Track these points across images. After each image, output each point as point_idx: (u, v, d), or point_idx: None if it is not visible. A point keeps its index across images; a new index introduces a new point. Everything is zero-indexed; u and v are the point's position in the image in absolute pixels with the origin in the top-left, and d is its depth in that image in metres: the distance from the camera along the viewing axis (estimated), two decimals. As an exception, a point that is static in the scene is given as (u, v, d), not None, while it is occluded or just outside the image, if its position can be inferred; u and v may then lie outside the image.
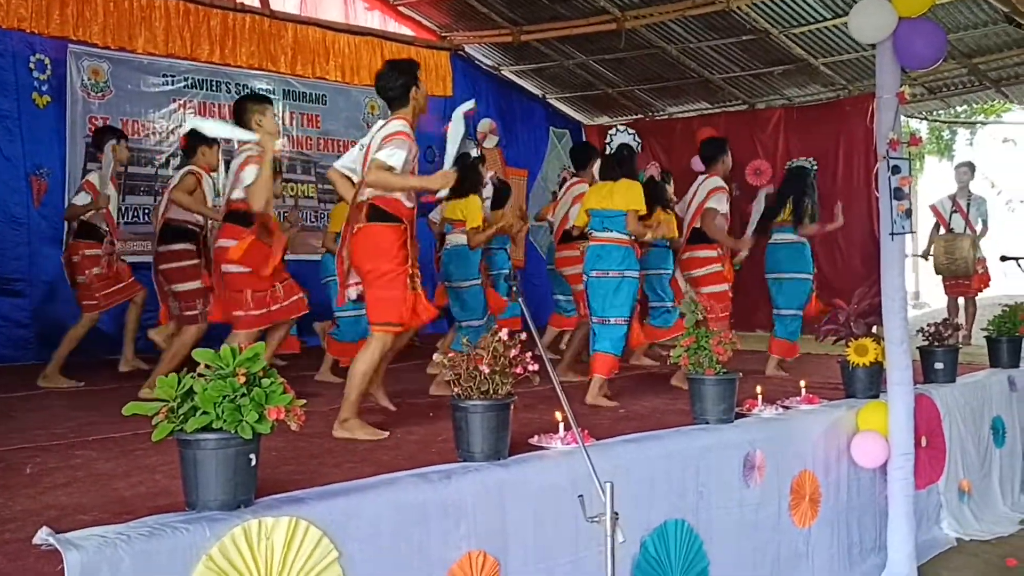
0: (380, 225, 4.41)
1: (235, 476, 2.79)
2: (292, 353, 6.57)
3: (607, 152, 6.01)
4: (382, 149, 4.37)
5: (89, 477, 3.54)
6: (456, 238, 6.32)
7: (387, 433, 4.43)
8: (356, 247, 4.47)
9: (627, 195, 5.66)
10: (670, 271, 7.24)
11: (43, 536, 2.51)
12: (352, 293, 4.58)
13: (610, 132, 6.11)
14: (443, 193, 4.71)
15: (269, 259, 5.02)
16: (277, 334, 5.34)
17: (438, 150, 4.82)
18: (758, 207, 7.06)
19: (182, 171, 6.12)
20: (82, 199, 6.47)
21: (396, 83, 4.56)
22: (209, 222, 6.08)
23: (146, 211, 8.14)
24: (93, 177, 6.58)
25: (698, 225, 6.50)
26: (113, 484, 3.42)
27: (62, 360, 6.33)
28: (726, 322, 6.33)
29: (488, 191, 7.11)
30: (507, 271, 7.16)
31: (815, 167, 7.17)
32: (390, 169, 4.34)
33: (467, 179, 6.06)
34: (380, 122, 4.63)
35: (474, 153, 7.09)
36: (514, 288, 5.10)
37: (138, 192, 8.13)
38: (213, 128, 5.70)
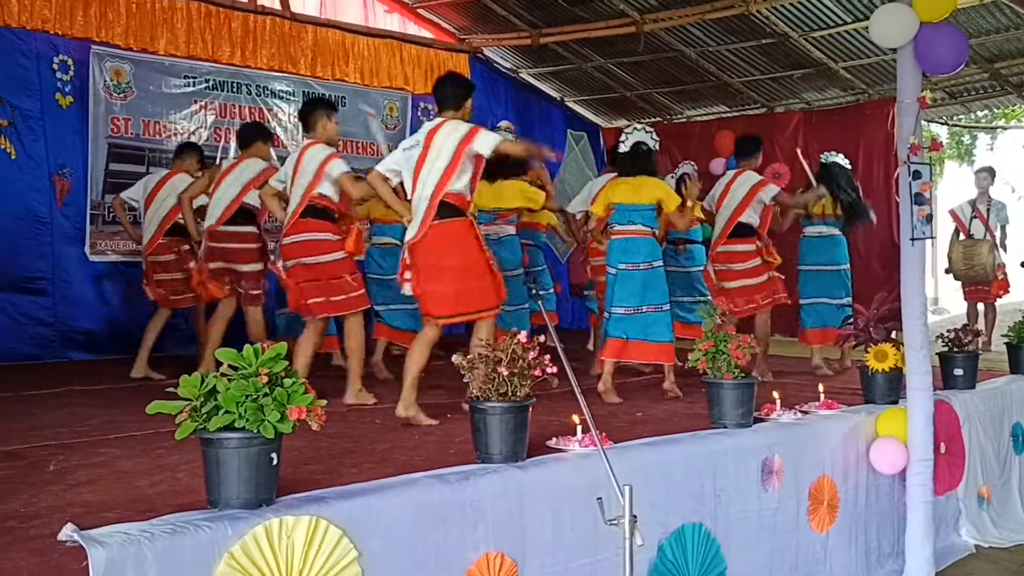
0: (456, 220, 4.73)
1: (257, 475, 2.82)
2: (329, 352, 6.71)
3: (620, 149, 6.08)
4: (474, 140, 4.70)
5: (112, 475, 3.58)
6: (501, 228, 6.29)
7: (436, 421, 4.73)
8: (436, 244, 4.70)
9: (660, 192, 5.83)
10: (703, 267, 7.25)
11: (68, 533, 2.54)
12: (407, 288, 4.82)
13: (625, 130, 6.18)
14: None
15: (359, 245, 5.47)
16: (318, 329, 5.46)
17: None
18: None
19: (261, 166, 6.25)
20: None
21: (459, 89, 4.95)
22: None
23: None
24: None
25: (742, 219, 6.62)
26: (136, 482, 3.45)
27: (148, 352, 6.59)
28: (770, 307, 6.65)
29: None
30: (544, 266, 7.19)
31: (836, 163, 7.23)
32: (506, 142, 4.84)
33: (503, 164, 5.97)
34: (428, 124, 4.88)
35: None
36: (533, 290, 5.17)
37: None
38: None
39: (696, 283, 7.29)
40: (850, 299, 7.06)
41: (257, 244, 6.35)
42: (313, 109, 5.58)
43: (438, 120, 4.86)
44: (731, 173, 6.82)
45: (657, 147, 6.03)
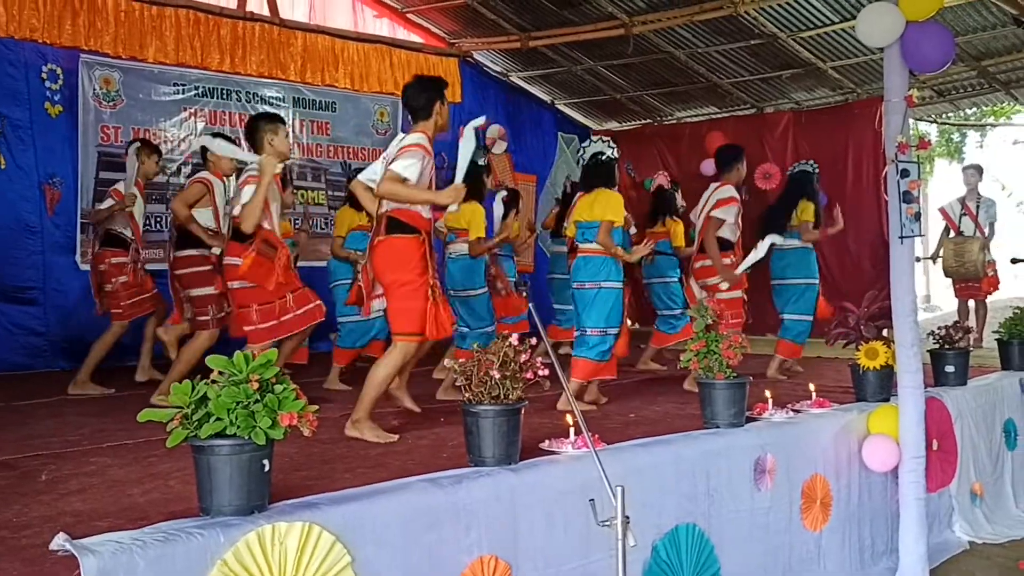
0: (399, 237, 4.48)
1: (249, 482, 2.81)
2: (299, 364, 6.57)
3: (580, 162, 5.96)
4: (397, 160, 4.44)
5: (104, 483, 3.57)
6: (460, 247, 6.34)
7: (396, 437, 4.47)
8: (377, 259, 4.54)
9: (604, 205, 5.57)
10: (676, 278, 7.26)
11: (59, 542, 2.53)
12: (376, 304, 4.68)
13: (583, 144, 6.07)
14: (453, 208, 4.72)
15: (272, 274, 5.03)
16: (290, 343, 5.37)
17: (448, 156, 4.87)
18: (758, 252, 6.65)
19: (191, 178, 6.17)
20: (106, 204, 6.56)
21: (421, 96, 4.65)
22: (224, 228, 6.03)
23: (158, 219, 8.19)
24: (119, 186, 6.66)
25: (726, 235, 6.50)
26: (128, 490, 3.45)
27: (92, 367, 6.37)
28: (739, 327, 6.29)
29: (499, 208, 7.14)
30: (513, 279, 7.19)
31: (816, 170, 7.19)
32: (404, 181, 4.39)
33: (472, 188, 5.82)
34: (401, 134, 4.69)
35: (480, 162, 7.09)
36: (524, 293, 5.16)
37: (149, 200, 8.11)
38: (219, 147, 5.71)
39: (669, 295, 7.27)
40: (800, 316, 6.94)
41: (205, 267, 6.05)
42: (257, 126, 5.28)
43: (402, 135, 4.69)
44: (713, 185, 6.69)
45: (616, 155, 5.83)
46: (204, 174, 6.05)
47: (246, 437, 2.77)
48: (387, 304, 4.60)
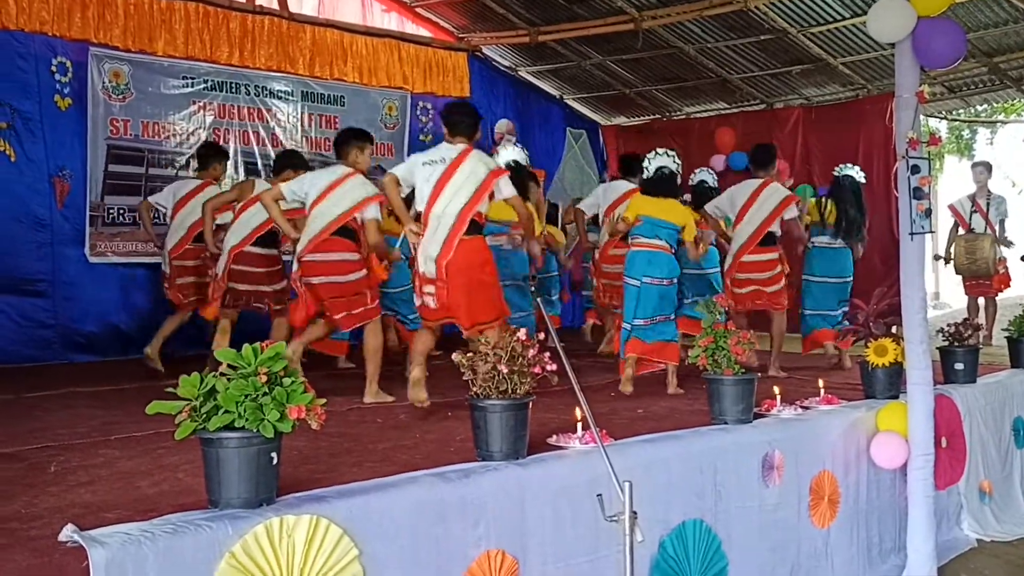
0: (480, 237, 5.14)
1: (257, 474, 2.82)
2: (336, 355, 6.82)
3: (644, 173, 6.34)
4: (501, 180, 5.12)
5: (112, 475, 3.58)
6: (495, 239, 6.38)
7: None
8: (466, 257, 4.99)
9: (686, 219, 6.05)
10: (715, 269, 7.28)
11: (68, 533, 2.54)
12: (429, 301, 5.05)
13: (648, 155, 6.39)
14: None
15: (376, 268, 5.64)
16: (319, 330, 5.61)
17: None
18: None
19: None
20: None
21: (470, 120, 5.26)
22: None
23: (164, 213, 8.15)
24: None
25: (772, 230, 6.71)
26: (136, 482, 3.46)
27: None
28: (783, 309, 6.82)
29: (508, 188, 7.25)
30: (556, 273, 7.37)
31: (861, 178, 7.27)
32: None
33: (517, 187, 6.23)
34: (449, 147, 5.16)
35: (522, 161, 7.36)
36: (532, 288, 5.19)
37: (161, 191, 8.15)
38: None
39: (713, 285, 7.30)
40: (843, 309, 7.13)
41: (279, 265, 6.57)
42: (346, 139, 5.70)
43: (462, 146, 5.14)
44: (755, 183, 6.81)
45: (679, 169, 6.26)
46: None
47: (254, 430, 2.77)
48: (468, 296, 4.98)
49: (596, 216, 7.80)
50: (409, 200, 5.35)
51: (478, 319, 4.99)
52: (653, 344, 5.91)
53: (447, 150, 5.16)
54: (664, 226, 5.96)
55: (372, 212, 5.46)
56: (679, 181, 6.34)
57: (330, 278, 5.42)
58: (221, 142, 8.55)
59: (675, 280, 6.00)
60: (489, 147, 8.97)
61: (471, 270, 5.00)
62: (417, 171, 5.15)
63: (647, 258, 5.92)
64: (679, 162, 6.29)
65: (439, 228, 5.02)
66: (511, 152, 7.38)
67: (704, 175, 8.01)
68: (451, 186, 5.02)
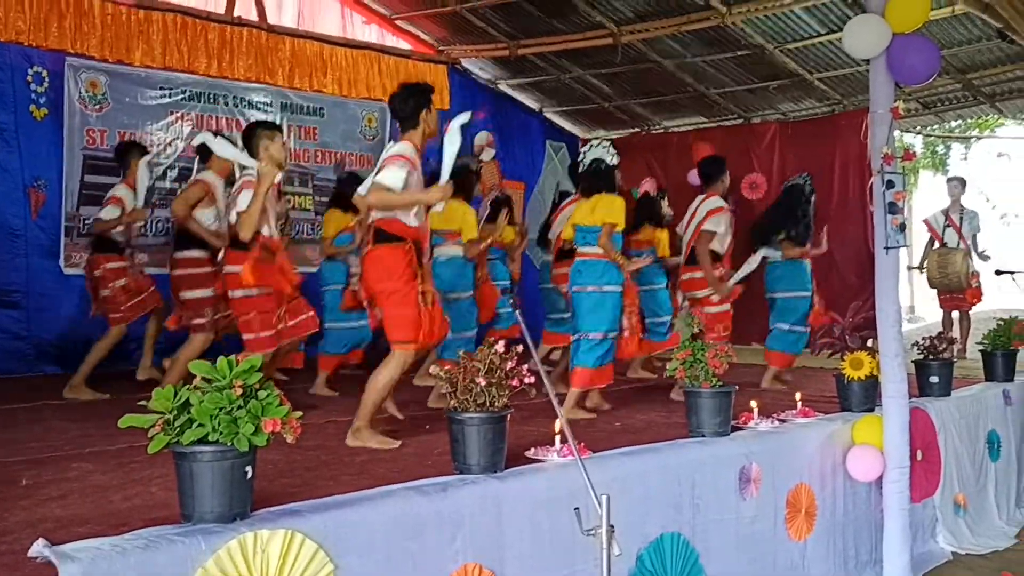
0: (385, 246, 4.51)
1: (231, 488, 2.79)
2: (295, 368, 6.59)
3: (580, 167, 6.02)
4: (382, 171, 4.47)
5: (85, 489, 3.54)
6: (448, 249, 6.29)
7: (399, 443, 4.47)
8: (366, 269, 4.59)
9: (605, 209, 5.61)
10: (663, 285, 7.26)
11: (39, 548, 2.51)
12: (378, 313, 4.68)
13: (583, 148, 6.11)
14: (439, 207, 4.74)
15: (274, 275, 5.13)
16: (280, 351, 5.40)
17: (435, 162, 4.96)
18: (750, 264, 6.86)
19: (192, 178, 6.14)
20: (109, 213, 6.48)
21: (407, 104, 4.67)
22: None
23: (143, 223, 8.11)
24: (120, 191, 6.57)
25: (717, 248, 6.52)
26: (109, 496, 3.42)
27: (89, 371, 6.37)
28: (726, 340, 6.25)
29: (485, 212, 7.19)
30: (507, 282, 7.24)
31: (808, 182, 7.18)
32: (389, 190, 4.43)
33: (460, 189, 5.94)
34: (391, 143, 4.73)
35: (472, 167, 7.11)
36: (512, 300, 5.17)
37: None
38: (220, 147, 5.62)
39: (655, 302, 7.27)
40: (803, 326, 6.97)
41: (203, 268, 6.02)
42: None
43: (399, 140, 4.73)
44: (700, 197, 6.72)
45: (615, 161, 5.87)
46: (206, 174, 5.98)
47: (229, 443, 2.74)
48: (382, 313, 4.60)
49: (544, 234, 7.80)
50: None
51: (390, 336, 4.57)
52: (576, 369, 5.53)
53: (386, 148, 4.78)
54: (592, 231, 5.60)
55: (243, 201, 5.02)
56: (616, 174, 5.91)
57: (232, 292, 5.20)
58: (198, 152, 8.52)
59: (606, 288, 5.50)
60: (469, 159, 8.95)
61: (372, 283, 4.56)
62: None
63: (577, 267, 5.65)
64: (615, 153, 5.90)
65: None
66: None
67: (647, 185, 7.96)
68: None
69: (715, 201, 6.58)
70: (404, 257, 4.50)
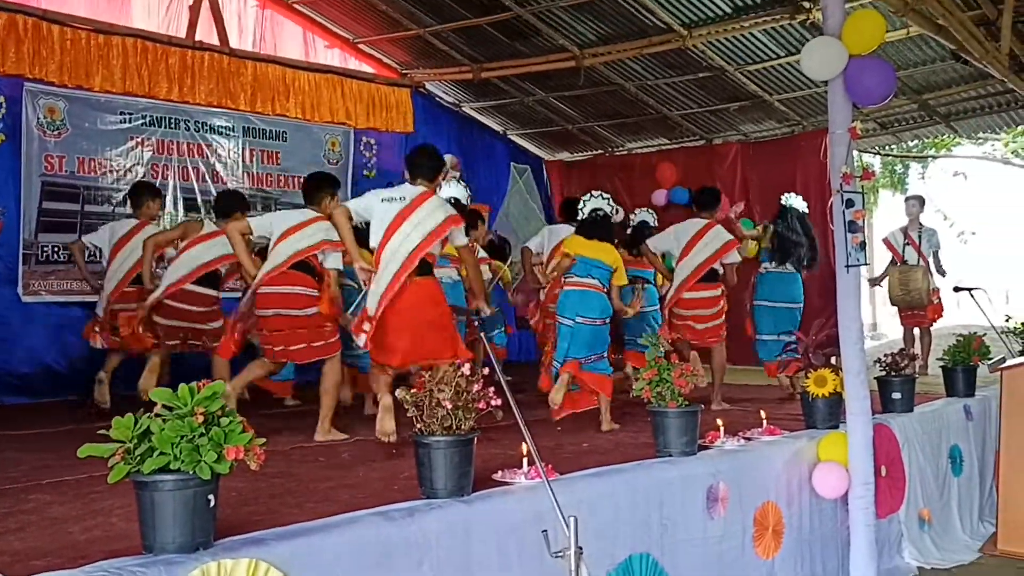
0: (433, 279, 5.26)
1: (193, 517, 2.74)
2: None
3: (579, 216, 6.45)
4: (459, 232, 5.29)
5: (43, 521, 3.46)
6: (451, 272, 6.41)
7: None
8: (418, 296, 5.09)
9: (618, 263, 6.08)
10: (657, 307, 7.36)
11: (-5, 583, 2.45)
12: (361, 339, 5.10)
13: (583, 197, 6.53)
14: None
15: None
16: (266, 367, 5.62)
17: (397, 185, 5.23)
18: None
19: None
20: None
21: (437, 164, 5.39)
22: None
23: (101, 250, 7.99)
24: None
25: (715, 267, 6.86)
26: (67, 528, 3.35)
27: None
28: (723, 342, 6.96)
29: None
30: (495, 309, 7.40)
31: (790, 206, 7.44)
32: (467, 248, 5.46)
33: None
34: (410, 187, 5.26)
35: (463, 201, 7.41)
36: (476, 323, 5.19)
37: (94, 231, 7.97)
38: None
39: (651, 322, 7.37)
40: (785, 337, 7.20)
41: (217, 305, 6.66)
42: (319, 186, 5.74)
43: (423, 188, 5.23)
44: (699, 223, 6.97)
45: (615, 213, 6.40)
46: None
47: (191, 472, 2.70)
48: (424, 335, 5.09)
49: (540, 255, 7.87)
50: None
51: (427, 356, 5.04)
52: (588, 374, 5.92)
53: (408, 190, 5.24)
54: (597, 265, 6.02)
55: (333, 262, 5.48)
56: (613, 222, 6.42)
57: (283, 311, 5.40)
58: (160, 178, 8.46)
59: (608, 320, 6.03)
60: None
61: (418, 310, 5.05)
62: (375, 207, 5.19)
63: (579, 297, 5.97)
64: (614, 205, 6.43)
65: (389, 266, 5.05)
66: (452, 189, 7.40)
67: (644, 216, 8.10)
68: (407, 225, 5.08)
69: (725, 233, 6.96)
70: (439, 285, 5.38)
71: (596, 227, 6.20)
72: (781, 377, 7.31)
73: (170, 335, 6.41)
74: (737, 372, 8.28)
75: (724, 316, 6.99)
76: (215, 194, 8.12)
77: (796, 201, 7.48)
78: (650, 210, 8.45)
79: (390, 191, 5.29)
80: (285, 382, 6.98)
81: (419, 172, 5.30)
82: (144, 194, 7.12)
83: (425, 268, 5.13)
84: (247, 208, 6.63)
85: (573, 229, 7.27)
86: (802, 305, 7.39)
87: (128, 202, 7.47)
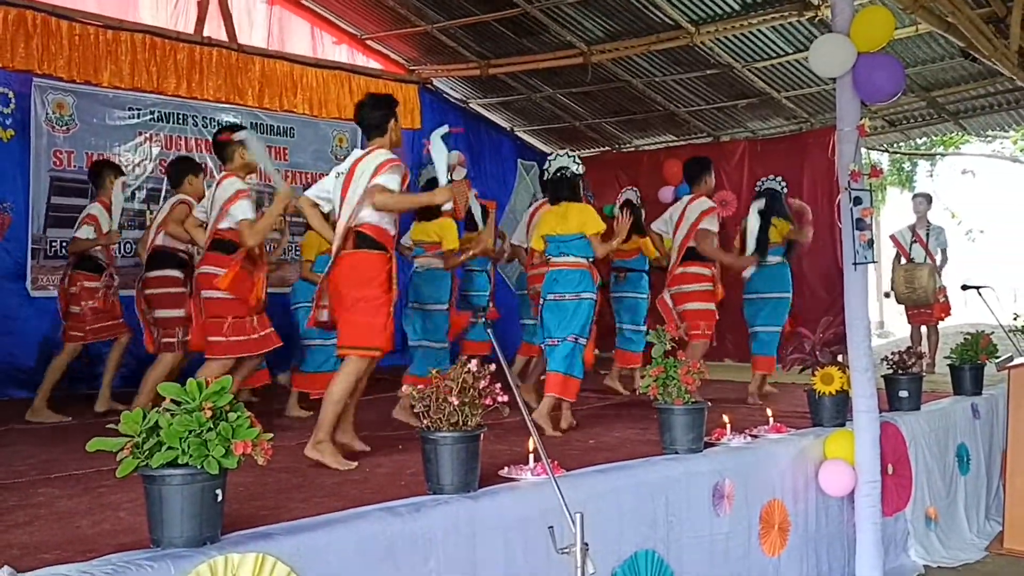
0: (367, 252, 4.53)
1: (201, 512, 2.76)
2: (263, 385, 6.55)
3: (544, 177, 6.13)
4: (379, 175, 4.50)
5: (51, 515, 3.48)
6: (428, 260, 6.32)
7: (355, 464, 4.43)
8: (342, 273, 4.53)
9: (582, 218, 5.71)
10: (646, 295, 7.31)
11: (4, 575, 2.46)
12: (323, 315, 4.68)
13: (549, 157, 6.21)
14: (448, 206, 4.92)
15: (252, 289, 5.14)
16: (245, 367, 5.38)
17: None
18: (752, 225, 7.03)
19: (173, 200, 6.22)
20: (85, 232, 6.53)
21: (375, 113, 4.75)
22: (196, 250, 6.06)
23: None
24: (95, 210, 6.62)
25: (692, 244, 6.64)
26: (76, 522, 3.36)
27: (47, 393, 6.34)
28: (709, 339, 6.62)
29: (477, 211, 7.20)
30: (487, 292, 7.28)
31: (784, 188, 7.32)
32: (391, 192, 4.51)
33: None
34: (357, 151, 4.75)
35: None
36: (481, 317, 5.18)
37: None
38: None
39: (637, 312, 7.36)
40: (779, 328, 7.18)
41: (177, 288, 6.16)
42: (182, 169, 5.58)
43: (368, 148, 4.72)
44: (686, 198, 6.87)
45: (581, 170, 5.97)
46: (182, 195, 6.18)
47: (199, 466, 2.71)
48: (343, 317, 4.55)
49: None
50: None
51: (344, 343, 4.53)
52: (553, 373, 5.64)
53: (352, 156, 4.74)
54: (565, 240, 5.71)
55: (240, 211, 5.05)
56: (580, 183, 6.00)
57: (206, 292, 5.13)
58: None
59: (583, 295, 5.62)
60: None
61: (343, 289, 4.52)
62: (331, 187, 4.73)
63: (553, 276, 5.73)
64: (580, 162, 6.01)
65: (335, 241, 4.64)
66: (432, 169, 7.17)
67: (628, 194, 8.03)
68: (348, 198, 4.58)
69: (705, 202, 6.72)
70: (386, 265, 4.54)
71: (561, 186, 5.90)
72: (779, 370, 7.23)
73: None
74: (741, 369, 8.27)
75: (711, 303, 6.66)
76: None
77: (773, 183, 7.34)
78: (633, 188, 8.35)
79: (343, 163, 4.78)
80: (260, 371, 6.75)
81: (368, 132, 4.77)
82: (185, 171, 6.44)
83: (362, 241, 4.51)
84: (200, 171, 6.42)
85: (538, 202, 7.22)
86: (789, 295, 7.23)
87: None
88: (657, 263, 7.53)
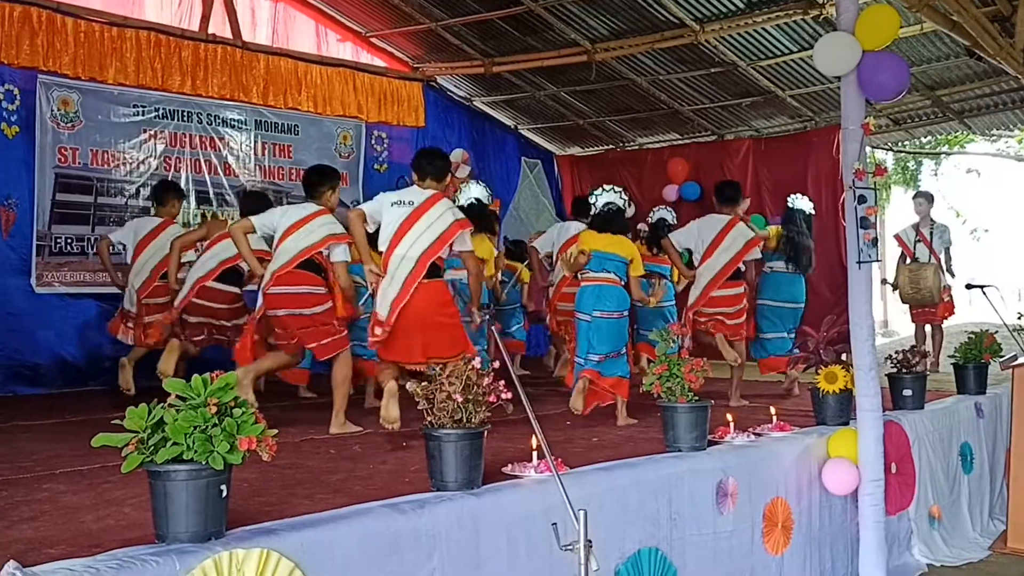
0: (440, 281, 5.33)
1: (206, 508, 2.76)
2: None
3: (592, 210, 6.42)
4: (465, 236, 5.34)
5: (56, 510, 3.49)
6: (460, 274, 6.38)
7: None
8: (427, 297, 5.17)
9: (635, 254, 6.11)
10: (672, 303, 7.37)
11: (10, 570, 2.47)
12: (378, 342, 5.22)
13: (595, 191, 6.49)
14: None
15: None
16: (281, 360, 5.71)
17: (408, 179, 5.20)
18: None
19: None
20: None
21: (445, 165, 5.47)
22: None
23: (124, 245, 8.00)
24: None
25: (741, 267, 6.83)
26: (81, 517, 3.37)
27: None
28: (743, 340, 6.95)
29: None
30: (489, 304, 7.44)
31: (797, 208, 7.42)
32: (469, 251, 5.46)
33: (481, 222, 6.77)
34: (425, 191, 5.30)
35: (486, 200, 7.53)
36: (487, 317, 5.24)
37: (107, 223, 8.04)
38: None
39: (666, 316, 7.37)
40: (791, 336, 7.29)
41: (241, 302, 6.77)
42: (320, 179, 5.70)
43: (432, 191, 5.29)
44: (722, 220, 6.86)
45: (627, 207, 6.35)
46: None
47: (203, 462, 2.72)
48: (428, 333, 5.17)
49: (550, 255, 7.89)
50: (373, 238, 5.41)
51: (435, 354, 5.05)
52: (608, 378, 5.93)
53: (416, 193, 5.28)
54: (612, 259, 6.02)
55: (339, 255, 5.47)
56: (626, 216, 6.41)
57: (294, 310, 5.41)
58: (172, 171, 8.53)
59: (625, 313, 6.03)
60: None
61: (428, 312, 5.14)
62: (385, 211, 5.25)
63: (596, 292, 5.97)
64: (626, 198, 6.40)
65: (399, 271, 5.12)
66: (474, 190, 7.43)
67: (663, 213, 8.10)
68: (415, 230, 5.14)
69: (748, 230, 6.89)
70: (448, 288, 5.49)
71: (609, 221, 6.20)
72: (790, 372, 7.29)
73: (195, 331, 6.54)
74: (747, 369, 8.25)
75: (746, 315, 6.96)
76: (227, 187, 8.19)
77: (802, 202, 7.44)
78: (668, 208, 8.42)
79: (399, 194, 5.34)
80: (302, 371, 6.96)
81: (427, 174, 5.36)
82: (170, 193, 7.27)
83: (434, 271, 5.20)
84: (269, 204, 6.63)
85: (582, 226, 7.29)
86: (803, 305, 7.42)
87: (152, 199, 7.53)
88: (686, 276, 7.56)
